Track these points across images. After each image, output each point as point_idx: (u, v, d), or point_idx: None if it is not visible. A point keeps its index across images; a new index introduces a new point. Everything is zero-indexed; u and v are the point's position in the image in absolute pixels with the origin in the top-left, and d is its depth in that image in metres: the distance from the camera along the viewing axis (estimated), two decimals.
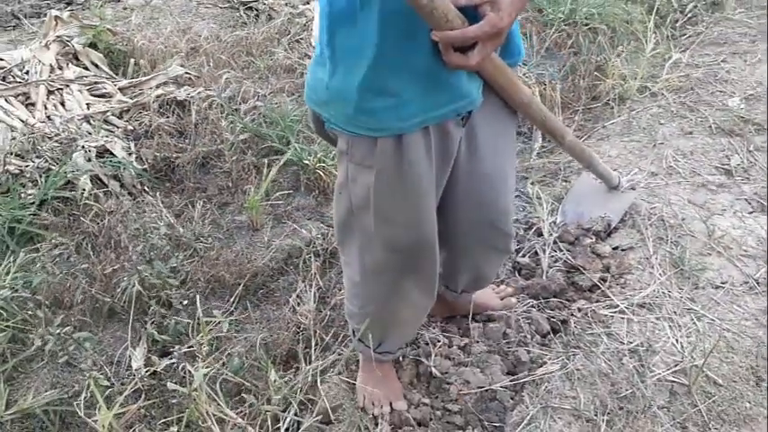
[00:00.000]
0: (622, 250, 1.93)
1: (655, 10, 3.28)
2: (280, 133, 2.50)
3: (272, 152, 2.48)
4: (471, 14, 0.93)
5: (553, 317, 1.75)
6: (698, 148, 2.36)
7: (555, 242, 1.98)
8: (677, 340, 1.60)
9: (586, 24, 3.30)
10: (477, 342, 1.73)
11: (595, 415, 1.45)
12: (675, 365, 1.54)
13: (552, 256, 1.94)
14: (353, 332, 1.55)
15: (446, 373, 1.65)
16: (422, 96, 1.04)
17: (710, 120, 2.50)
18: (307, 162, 2.36)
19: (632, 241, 1.95)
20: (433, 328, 1.79)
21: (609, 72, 2.89)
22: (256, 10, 3.77)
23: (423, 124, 1.08)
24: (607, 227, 2.01)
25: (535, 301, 1.82)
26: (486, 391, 1.59)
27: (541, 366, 1.61)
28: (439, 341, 1.73)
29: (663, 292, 1.74)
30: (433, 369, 1.64)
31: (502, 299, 1.84)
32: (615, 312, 1.71)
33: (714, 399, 1.46)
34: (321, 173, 2.32)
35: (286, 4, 3.77)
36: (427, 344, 1.72)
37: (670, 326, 1.64)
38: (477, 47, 0.94)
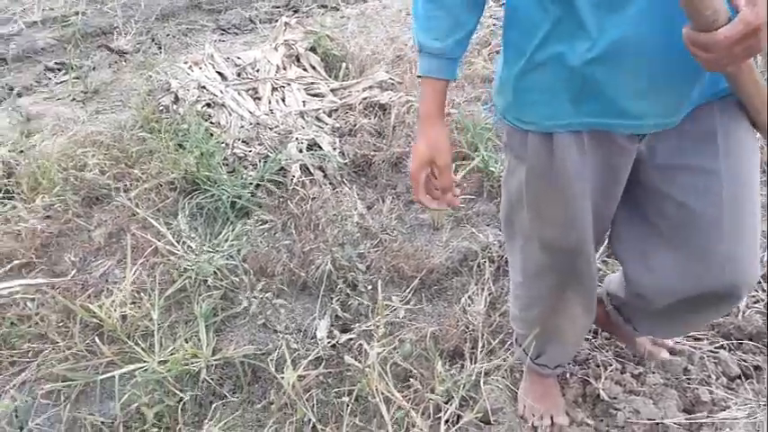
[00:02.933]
0: None
1: None
2: (470, 140, 2.58)
3: (459, 157, 2.57)
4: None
5: (744, 360, 1.61)
6: None
7: (758, 282, 1.80)
8: None
9: None
10: (654, 373, 1.65)
11: None
12: None
13: (753, 296, 1.77)
14: (516, 339, 1.57)
15: (615, 398, 1.59)
16: (571, 102, 1.05)
17: None
18: (492, 169, 2.41)
19: None
20: (606, 351, 1.74)
21: None
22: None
23: (571, 128, 1.07)
24: None
25: (726, 342, 1.68)
26: (658, 424, 1.51)
27: (724, 410, 1.49)
28: (611, 365, 1.68)
29: None
30: (602, 392, 1.59)
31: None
32: None
33: None
34: None
35: (490, 16, 3.85)
36: (598, 366, 1.68)
37: None
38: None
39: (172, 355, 1.77)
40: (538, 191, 1.16)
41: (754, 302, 1.75)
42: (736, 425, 1.45)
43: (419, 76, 1.13)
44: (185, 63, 3.31)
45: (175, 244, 2.16)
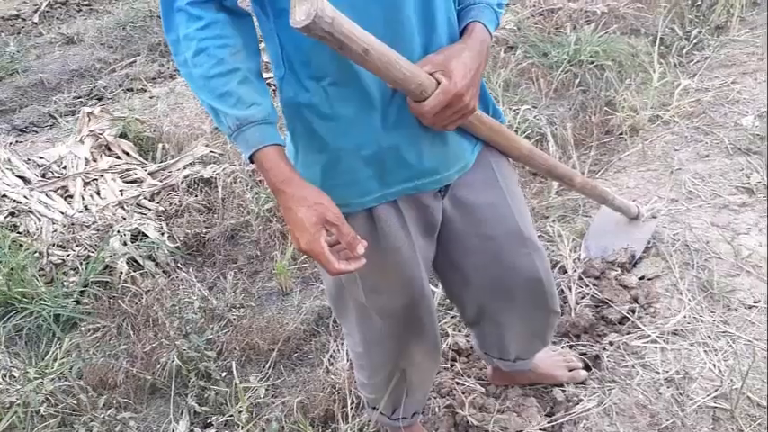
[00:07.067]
0: (649, 279, 1.92)
1: (658, 40, 3.33)
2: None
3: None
4: None
5: (585, 353, 1.74)
6: (716, 170, 2.36)
7: (580, 278, 1.98)
8: (714, 365, 1.57)
9: (592, 62, 3.36)
10: (513, 387, 1.73)
11: None
12: (715, 390, 1.51)
13: (579, 293, 1.93)
14: (367, 403, 1.56)
15: (483, 420, 1.64)
16: (377, 175, 1.08)
17: (726, 141, 2.51)
18: None
19: (658, 269, 1.94)
20: (468, 377, 1.79)
21: (619, 106, 2.93)
22: (274, 85, 3.95)
23: (384, 199, 1.11)
24: (631, 258, 2.01)
25: (566, 339, 1.81)
26: None
27: (578, 404, 1.59)
28: (474, 390, 1.73)
29: (694, 318, 1.72)
30: (470, 418, 1.63)
31: (570, 369, 1.71)
32: (647, 342, 1.69)
33: (759, 421, 1.42)
34: None
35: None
36: (463, 393, 1.72)
37: (705, 351, 1.62)
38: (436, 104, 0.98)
39: None
40: (370, 268, 1.10)
41: (582, 298, 1.91)
42: (590, 415, 1.55)
43: (251, 157, 0.96)
44: None
45: None
